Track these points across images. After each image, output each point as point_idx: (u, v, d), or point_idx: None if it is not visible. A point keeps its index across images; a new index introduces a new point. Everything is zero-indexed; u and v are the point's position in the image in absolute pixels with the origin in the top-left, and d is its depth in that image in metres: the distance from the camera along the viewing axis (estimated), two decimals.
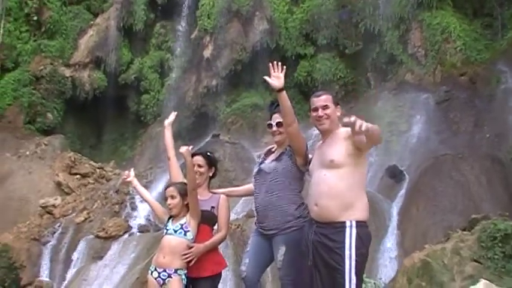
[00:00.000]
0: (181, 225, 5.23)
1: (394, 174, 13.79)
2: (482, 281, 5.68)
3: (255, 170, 5.48)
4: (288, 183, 5.16)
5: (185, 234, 5.20)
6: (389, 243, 11.98)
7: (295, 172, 5.17)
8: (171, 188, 5.34)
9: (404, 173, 14.05)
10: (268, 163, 5.32)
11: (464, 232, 9.58)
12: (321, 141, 4.85)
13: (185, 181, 5.35)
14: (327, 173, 4.53)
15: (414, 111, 16.40)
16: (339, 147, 4.55)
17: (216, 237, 5.41)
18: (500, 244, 8.68)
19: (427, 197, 12.57)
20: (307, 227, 4.66)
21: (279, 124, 5.25)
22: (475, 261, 8.83)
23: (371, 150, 16.38)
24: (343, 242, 4.36)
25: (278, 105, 5.06)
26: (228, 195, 5.67)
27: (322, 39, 19.62)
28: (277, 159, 5.26)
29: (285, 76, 4.93)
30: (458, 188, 12.44)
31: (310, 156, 5.12)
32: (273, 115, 5.31)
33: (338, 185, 4.47)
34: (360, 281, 4.38)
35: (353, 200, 4.47)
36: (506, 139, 13.87)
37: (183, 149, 5.29)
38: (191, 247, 5.19)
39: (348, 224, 4.40)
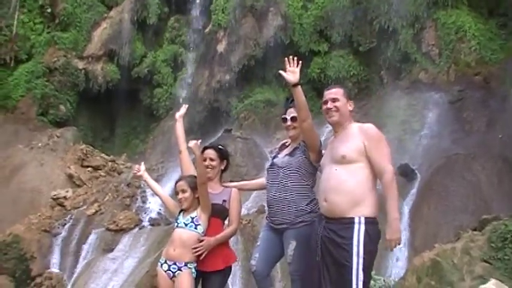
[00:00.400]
0: (192, 218, 5.25)
1: (406, 173, 13.73)
2: (493, 280, 5.65)
3: (269, 164, 5.52)
4: (301, 178, 5.18)
5: (196, 228, 5.22)
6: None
7: (307, 167, 5.19)
8: (182, 182, 5.36)
9: (416, 171, 13.99)
10: (282, 157, 5.35)
11: (475, 232, 9.53)
12: (333, 137, 4.85)
13: (196, 174, 5.36)
14: (338, 168, 4.54)
15: (427, 110, 16.31)
16: (350, 143, 4.55)
17: (227, 231, 5.43)
18: (510, 245, 8.63)
19: (438, 196, 12.52)
20: (317, 222, 4.67)
21: (293, 119, 5.29)
22: (485, 261, 8.79)
23: None
24: (351, 239, 4.37)
25: (294, 100, 5.08)
26: (239, 189, 5.70)
27: (336, 36, 19.55)
28: (291, 154, 5.30)
29: (300, 72, 4.94)
30: (469, 188, 12.38)
31: (323, 151, 5.12)
32: (288, 109, 5.34)
33: (348, 180, 4.46)
34: (367, 278, 4.38)
35: (363, 197, 4.46)
36: None
37: (192, 143, 5.31)
38: (201, 240, 5.21)
39: (356, 220, 4.40)
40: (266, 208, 5.59)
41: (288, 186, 5.19)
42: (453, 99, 16.31)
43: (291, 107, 5.30)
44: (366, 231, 4.38)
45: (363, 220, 4.40)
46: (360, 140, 4.52)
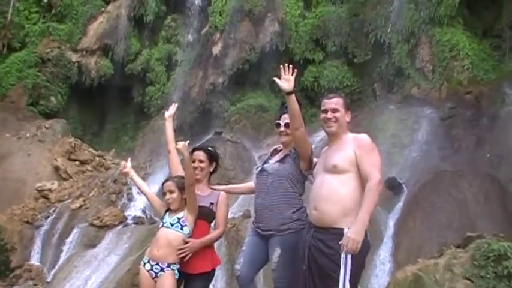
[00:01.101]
0: (179, 219, 5.22)
1: (393, 186, 13.78)
2: None
3: (258, 168, 5.49)
4: (289, 186, 5.17)
5: (182, 229, 5.20)
6: (383, 254, 11.99)
7: (297, 175, 5.19)
8: (169, 183, 5.34)
9: (403, 185, 14.06)
10: (272, 164, 5.35)
11: (458, 249, 9.59)
12: (327, 146, 4.85)
13: (183, 175, 5.33)
14: (329, 177, 4.52)
15: (418, 126, 16.41)
16: (343, 152, 4.54)
17: (213, 234, 5.41)
18: (492, 264, 8.70)
19: (424, 212, 12.57)
20: (306, 231, 4.64)
21: (287, 125, 5.29)
22: (467, 279, 8.84)
23: None
24: (340, 250, 4.32)
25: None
26: (227, 192, 5.68)
27: (332, 46, 19.63)
28: (281, 160, 5.29)
29: (294, 79, 4.93)
30: (455, 205, 12.44)
31: (315, 160, 5.12)
32: (283, 115, 5.34)
33: (340, 190, 4.45)
34: None
35: (353, 207, 4.43)
36: (506, 160, 13.88)
37: (180, 145, 5.29)
38: (187, 242, 5.18)
39: (346, 231, 4.36)
40: (253, 213, 5.58)
41: (276, 193, 5.18)
42: (444, 116, 16.43)
43: (285, 113, 5.28)
44: None
45: None
46: (352, 149, 4.52)
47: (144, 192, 5.78)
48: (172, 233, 5.18)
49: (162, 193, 5.43)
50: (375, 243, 11.88)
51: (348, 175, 4.46)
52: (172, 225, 5.21)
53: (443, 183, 13.13)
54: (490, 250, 8.83)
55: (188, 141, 5.44)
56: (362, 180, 4.48)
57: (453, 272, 8.95)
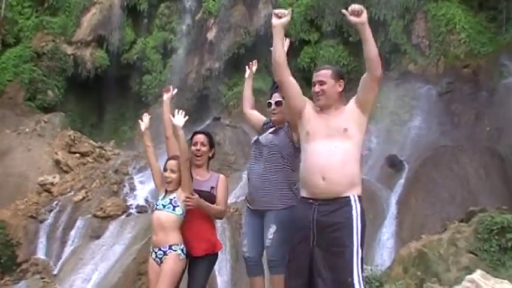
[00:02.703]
0: (171, 200, 5.14)
1: (394, 164, 13.81)
2: (479, 271, 5.67)
3: (253, 140, 5.47)
4: (282, 159, 5.15)
5: (174, 209, 5.11)
6: (387, 231, 12.03)
7: (290, 148, 5.16)
8: (173, 162, 5.21)
9: (404, 162, 14.07)
10: (265, 135, 5.31)
11: (461, 224, 9.62)
12: (318, 109, 4.59)
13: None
14: (339, 145, 4.32)
15: (416, 102, 16.40)
16: (348, 115, 4.41)
17: (215, 206, 5.37)
18: (496, 237, 8.74)
19: (426, 188, 12.60)
20: (307, 207, 4.42)
21: (278, 103, 5.28)
22: (471, 252, 8.88)
23: (372, 138, 16.37)
24: (351, 218, 4.23)
25: (278, 86, 4.99)
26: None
27: (327, 26, 19.56)
28: (274, 132, 5.27)
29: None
30: (457, 180, 12.47)
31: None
32: (273, 94, 5.33)
33: (350, 159, 4.29)
34: (363, 254, 4.30)
35: (357, 175, 4.36)
36: (506, 133, 13.88)
37: (178, 120, 5.21)
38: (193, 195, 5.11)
39: (352, 198, 4.27)
40: (248, 186, 5.46)
41: (270, 168, 5.15)
42: (442, 91, 16.41)
43: (276, 92, 5.26)
44: (361, 208, 4.27)
45: (357, 198, 4.28)
46: (354, 107, 4.40)
47: (152, 164, 5.50)
48: (164, 214, 5.10)
49: (163, 169, 5.30)
50: (378, 221, 11.93)
51: (355, 141, 4.31)
52: (164, 206, 5.12)
53: (444, 158, 13.15)
54: (493, 223, 8.86)
55: (187, 117, 5.31)
56: (359, 145, 4.41)
57: (457, 247, 8.99)
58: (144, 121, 5.65)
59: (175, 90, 5.84)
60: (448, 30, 17.54)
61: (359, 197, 4.33)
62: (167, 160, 5.28)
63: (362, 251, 4.23)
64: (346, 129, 4.33)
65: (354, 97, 4.46)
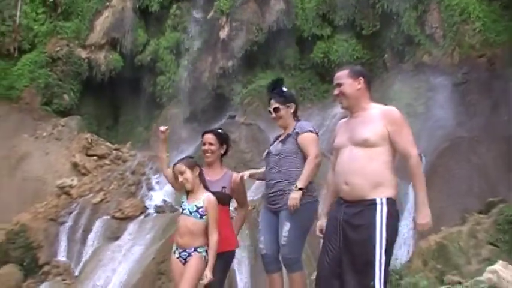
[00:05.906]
0: (198, 208, 5.20)
1: None
2: (500, 262, 5.64)
3: (265, 153, 5.65)
4: (295, 162, 5.36)
5: (201, 217, 5.19)
6: (405, 224, 11.95)
7: (300, 152, 5.37)
8: (178, 165, 5.29)
9: (422, 155, 13.97)
10: (275, 146, 5.55)
11: (481, 215, 9.54)
12: (349, 117, 4.70)
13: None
14: (359, 151, 4.40)
15: (431, 93, 16.26)
16: (372, 127, 4.40)
17: (240, 213, 5.84)
18: None
19: (443, 179, 12.51)
20: (337, 208, 4.54)
21: (275, 110, 5.51)
22: (492, 244, 8.81)
23: None
24: (374, 220, 4.26)
25: (274, 88, 5.49)
26: (251, 177, 5.77)
27: (339, 20, 19.48)
28: (283, 141, 5.48)
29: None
30: (474, 171, 12.36)
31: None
32: (270, 101, 5.50)
33: (371, 163, 4.34)
34: (389, 259, 4.30)
35: (384, 178, 4.36)
36: None
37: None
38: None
39: (378, 201, 4.29)
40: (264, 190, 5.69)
41: (283, 170, 5.36)
42: (457, 82, 16.26)
43: (272, 97, 5.52)
44: (389, 211, 4.28)
45: (384, 201, 4.29)
46: (383, 125, 4.38)
47: (167, 175, 5.63)
48: (191, 221, 5.19)
49: (174, 177, 5.39)
50: None
51: (378, 149, 4.34)
52: (191, 213, 5.21)
53: (461, 149, 13.04)
54: None
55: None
56: (392, 152, 4.42)
57: (477, 238, 8.92)
58: (165, 134, 5.75)
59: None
60: (462, 20, 17.36)
61: (388, 199, 4.34)
62: (173, 167, 5.38)
63: (387, 254, 4.22)
64: (367, 139, 4.40)
65: (389, 125, 4.44)
